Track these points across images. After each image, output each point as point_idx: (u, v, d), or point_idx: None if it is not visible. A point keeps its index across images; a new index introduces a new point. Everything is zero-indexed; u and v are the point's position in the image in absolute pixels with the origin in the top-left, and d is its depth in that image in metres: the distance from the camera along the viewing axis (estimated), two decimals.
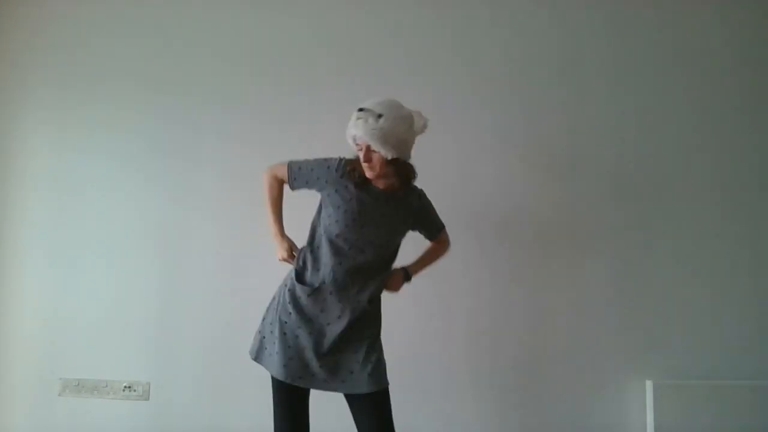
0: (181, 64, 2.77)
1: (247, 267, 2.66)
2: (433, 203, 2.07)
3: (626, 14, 2.68)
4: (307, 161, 1.95)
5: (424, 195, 2.03)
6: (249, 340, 2.62)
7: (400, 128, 1.79)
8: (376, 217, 1.86)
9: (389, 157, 1.79)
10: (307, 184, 1.94)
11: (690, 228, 2.60)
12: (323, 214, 1.91)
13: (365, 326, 1.86)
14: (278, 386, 1.86)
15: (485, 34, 2.69)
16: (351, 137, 1.84)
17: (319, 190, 1.93)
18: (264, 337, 1.93)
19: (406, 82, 2.63)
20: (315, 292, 1.85)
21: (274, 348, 1.87)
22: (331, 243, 1.85)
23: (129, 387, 2.65)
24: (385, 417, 1.81)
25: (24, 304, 2.74)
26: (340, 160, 1.92)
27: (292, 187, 1.97)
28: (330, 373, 1.82)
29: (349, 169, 1.88)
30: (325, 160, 1.93)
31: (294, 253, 1.98)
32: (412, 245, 2.05)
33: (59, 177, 2.78)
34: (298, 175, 1.94)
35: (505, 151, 2.65)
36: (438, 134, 2.49)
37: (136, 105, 2.77)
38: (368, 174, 1.84)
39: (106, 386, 2.66)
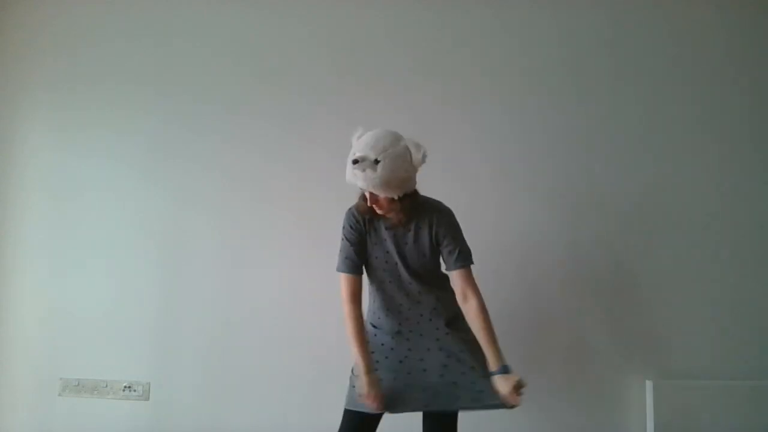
0: (181, 65, 2.77)
1: (247, 267, 2.66)
2: None
3: (628, 18, 2.69)
4: (340, 248, 1.93)
5: (447, 214, 1.92)
6: (248, 340, 2.65)
7: (400, 170, 1.74)
8: (401, 247, 1.89)
9: (396, 197, 1.78)
10: (357, 256, 1.90)
11: (690, 228, 2.59)
12: (368, 259, 1.93)
13: (453, 345, 1.89)
14: (353, 419, 1.84)
15: (487, 36, 2.70)
16: (352, 184, 1.81)
17: (365, 245, 1.91)
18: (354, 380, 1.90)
19: (406, 83, 2.63)
20: (395, 335, 1.92)
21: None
22: (381, 285, 1.92)
23: (129, 387, 2.65)
24: None
25: (24, 304, 2.74)
26: (350, 212, 1.92)
27: (352, 271, 1.90)
28: (422, 394, 1.84)
29: (361, 210, 1.88)
30: (343, 228, 1.92)
31: (376, 391, 1.80)
32: None
33: (59, 177, 2.78)
34: (346, 262, 1.90)
35: (506, 150, 2.65)
36: (437, 135, 2.49)
37: (136, 105, 2.77)
38: (379, 212, 1.84)
39: (106, 386, 2.66)
